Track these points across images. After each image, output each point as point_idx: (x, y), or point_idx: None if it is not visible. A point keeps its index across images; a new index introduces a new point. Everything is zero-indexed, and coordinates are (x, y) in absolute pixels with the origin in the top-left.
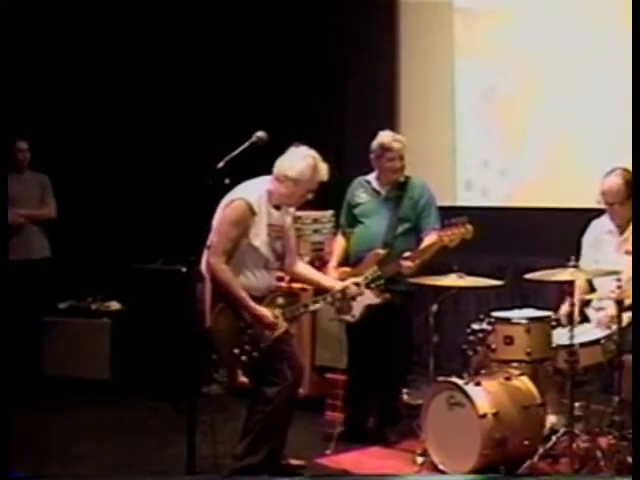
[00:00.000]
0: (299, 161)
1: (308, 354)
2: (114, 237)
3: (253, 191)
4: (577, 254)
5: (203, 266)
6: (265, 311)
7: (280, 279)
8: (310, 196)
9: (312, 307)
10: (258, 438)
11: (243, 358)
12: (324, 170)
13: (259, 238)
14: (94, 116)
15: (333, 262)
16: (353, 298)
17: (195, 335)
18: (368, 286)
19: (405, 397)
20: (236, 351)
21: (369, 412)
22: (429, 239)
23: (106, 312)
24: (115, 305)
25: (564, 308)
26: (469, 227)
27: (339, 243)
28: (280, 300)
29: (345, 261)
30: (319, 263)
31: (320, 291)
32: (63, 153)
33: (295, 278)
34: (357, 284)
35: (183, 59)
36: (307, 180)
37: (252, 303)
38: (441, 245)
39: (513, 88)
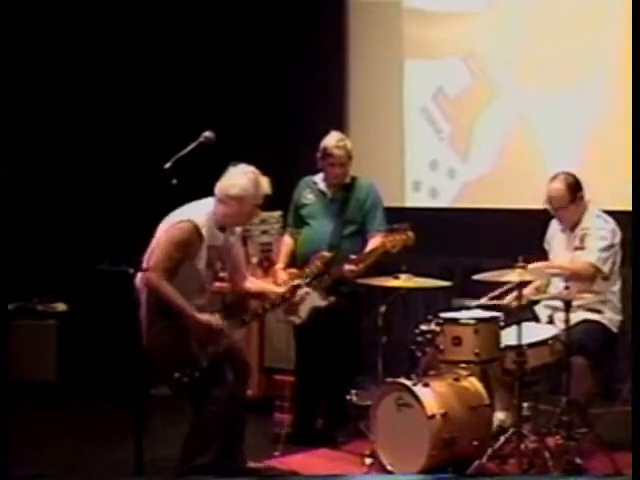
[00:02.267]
0: (239, 178)
1: (256, 355)
2: (60, 237)
3: (201, 213)
4: (526, 254)
5: (139, 284)
6: (211, 317)
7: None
8: (258, 212)
9: (249, 318)
10: (206, 438)
11: (185, 380)
12: (266, 183)
13: (202, 261)
14: (93, 116)
15: (280, 264)
16: (299, 299)
17: (142, 336)
18: (310, 284)
19: (354, 398)
20: (177, 375)
21: (317, 413)
22: (373, 242)
23: (52, 313)
24: (61, 306)
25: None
26: (410, 234)
27: (286, 244)
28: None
29: (293, 262)
30: (267, 264)
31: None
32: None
33: (244, 295)
34: (298, 285)
35: (183, 57)
36: (251, 196)
37: (197, 314)
38: (384, 250)
39: (462, 89)
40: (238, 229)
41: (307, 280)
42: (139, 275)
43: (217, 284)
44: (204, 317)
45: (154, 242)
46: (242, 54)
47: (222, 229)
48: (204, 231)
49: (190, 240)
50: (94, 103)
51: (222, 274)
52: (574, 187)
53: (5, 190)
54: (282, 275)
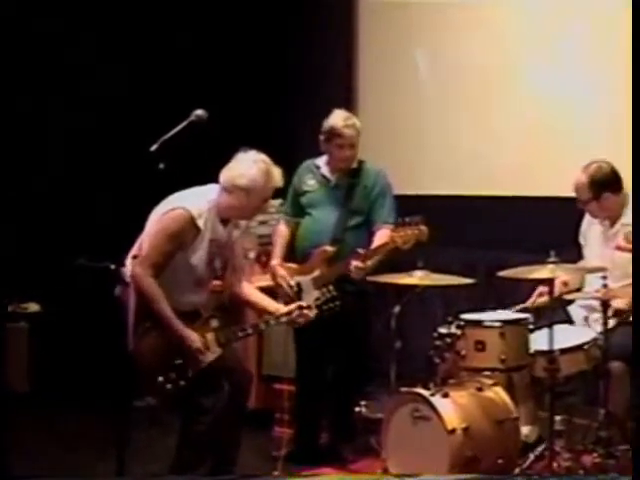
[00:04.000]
0: (249, 167)
1: (254, 363)
2: (33, 231)
3: (199, 202)
4: (558, 249)
5: (128, 276)
6: (192, 334)
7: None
8: (265, 206)
9: (251, 331)
10: (197, 452)
11: (168, 387)
12: (278, 175)
13: (197, 256)
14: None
15: (276, 258)
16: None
17: (125, 340)
18: (319, 307)
19: (363, 410)
20: (160, 379)
21: (321, 427)
22: (381, 237)
23: (23, 315)
24: (34, 307)
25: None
26: (423, 228)
27: (282, 235)
28: (214, 323)
29: (291, 255)
30: (266, 259)
31: None
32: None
33: (239, 300)
34: (307, 306)
35: (184, 58)
36: (260, 188)
37: (179, 324)
38: (393, 246)
39: (486, 65)
40: (243, 223)
41: (318, 303)
42: (128, 267)
43: (214, 282)
44: (186, 333)
45: (145, 232)
46: (244, 34)
47: (224, 221)
48: (201, 222)
49: (183, 231)
50: (94, 103)
51: (221, 272)
52: (600, 183)
53: None
54: (280, 271)
